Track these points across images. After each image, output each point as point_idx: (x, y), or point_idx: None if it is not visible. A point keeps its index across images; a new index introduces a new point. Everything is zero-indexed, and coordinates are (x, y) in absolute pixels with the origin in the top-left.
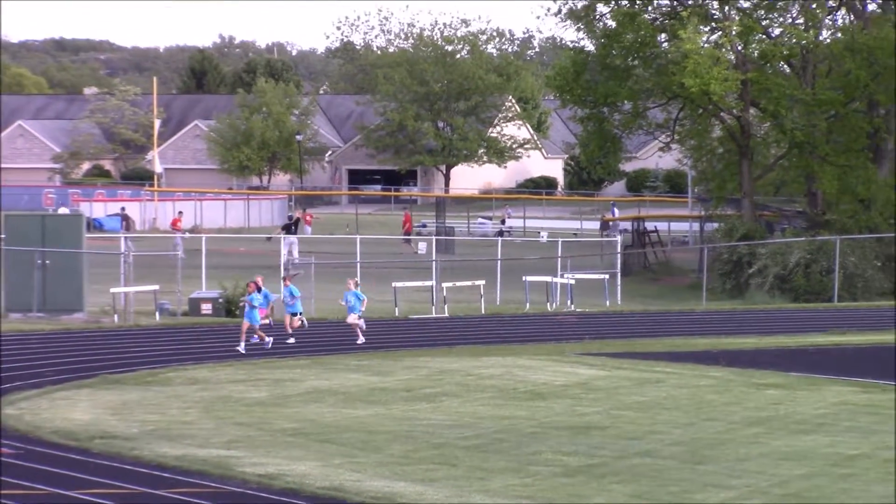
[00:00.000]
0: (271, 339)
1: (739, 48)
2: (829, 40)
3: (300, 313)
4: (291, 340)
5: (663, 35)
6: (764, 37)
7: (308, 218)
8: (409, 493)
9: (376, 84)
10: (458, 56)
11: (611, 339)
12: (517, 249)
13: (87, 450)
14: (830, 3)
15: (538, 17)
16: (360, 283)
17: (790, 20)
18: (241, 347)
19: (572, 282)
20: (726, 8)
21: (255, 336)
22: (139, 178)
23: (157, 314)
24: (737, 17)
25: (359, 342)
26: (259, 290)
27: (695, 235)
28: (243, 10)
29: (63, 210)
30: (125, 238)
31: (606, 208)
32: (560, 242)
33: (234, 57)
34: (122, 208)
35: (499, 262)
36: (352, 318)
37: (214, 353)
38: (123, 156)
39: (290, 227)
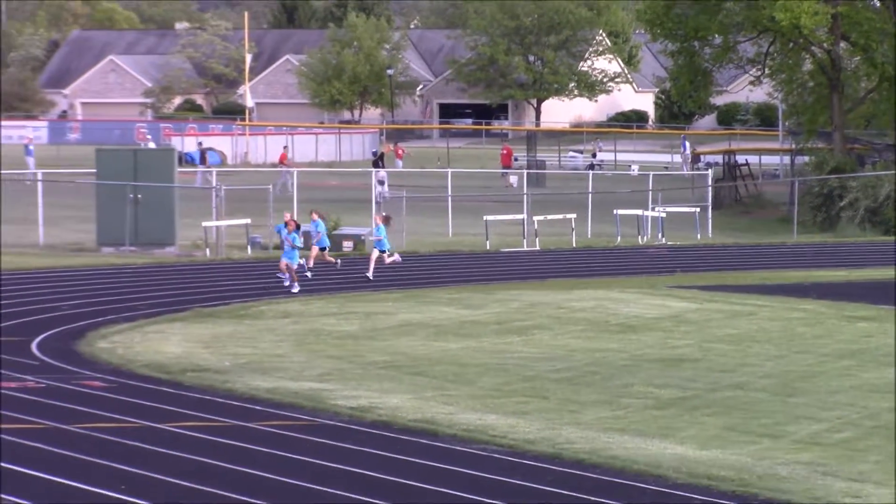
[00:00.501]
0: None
1: None
2: None
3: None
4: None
5: None
6: None
7: (399, 152)
8: (500, 425)
9: (467, 18)
10: None
11: (702, 272)
12: (608, 183)
13: (180, 383)
14: None
15: None
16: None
17: None
18: (295, 288)
19: (663, 215)
20: None
21: (287, 275)
22: (230, 113)
23: (249, 248)
24: None
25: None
26: (298, 228)
27: (785, 169)
28: None
29: (151, 145)
30: (202, 172)
31: (698, 142)
32: (651, 176)
33: None
34: (200, 143)
35: (590, 195)
36: (375, 255)
37: (306, 286)
38: (215, 90)
39: (377, 162)
